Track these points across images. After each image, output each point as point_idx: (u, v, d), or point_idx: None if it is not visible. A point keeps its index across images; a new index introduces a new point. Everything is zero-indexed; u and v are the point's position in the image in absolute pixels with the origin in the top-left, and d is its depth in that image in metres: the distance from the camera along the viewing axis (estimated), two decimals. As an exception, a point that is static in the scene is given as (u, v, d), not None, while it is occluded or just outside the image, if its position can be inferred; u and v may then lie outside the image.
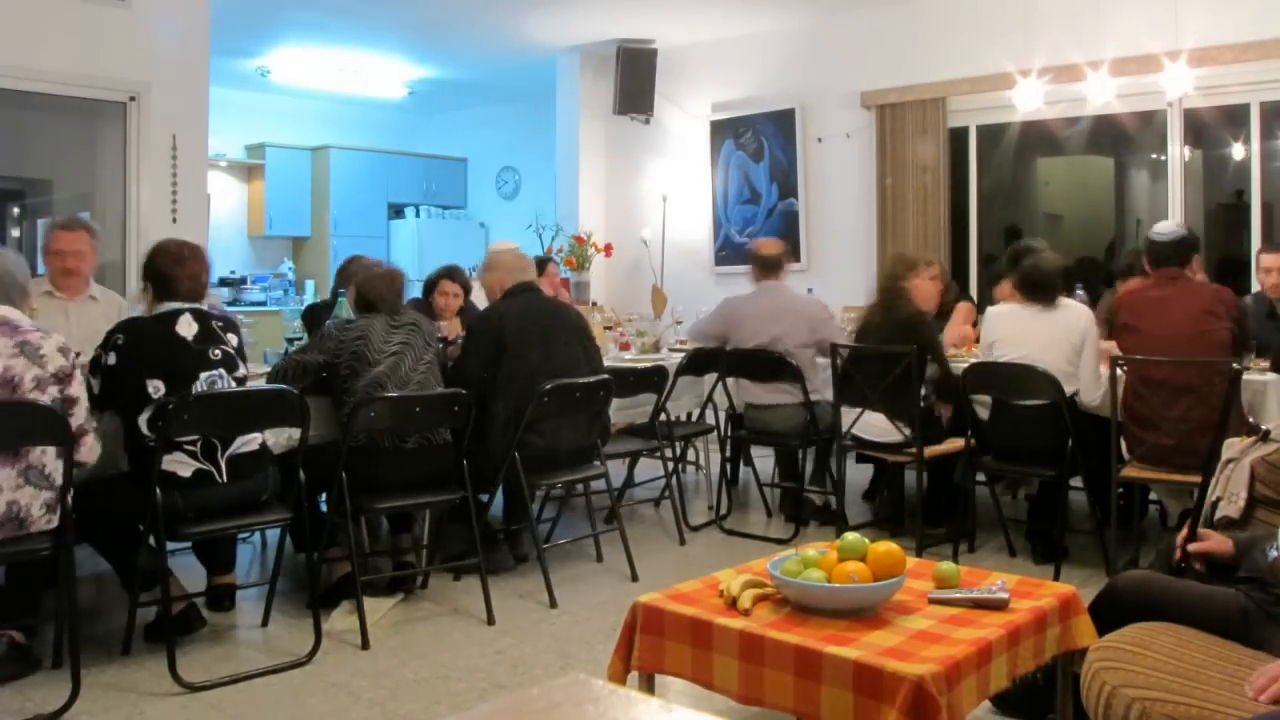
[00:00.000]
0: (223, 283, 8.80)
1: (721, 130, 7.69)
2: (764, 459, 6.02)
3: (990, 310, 4.56)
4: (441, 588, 4.07)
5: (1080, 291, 4.96)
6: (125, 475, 3.32)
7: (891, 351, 4.35)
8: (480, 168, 10.62)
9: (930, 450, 4.39)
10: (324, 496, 3.70)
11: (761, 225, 7.48)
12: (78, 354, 3.14)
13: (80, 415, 3.07)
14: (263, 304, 8.99)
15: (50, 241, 4.23)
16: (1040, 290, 4.28)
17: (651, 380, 4.75)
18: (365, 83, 9.01)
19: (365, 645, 3.41)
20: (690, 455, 5.95)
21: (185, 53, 5.78)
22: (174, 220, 5.69)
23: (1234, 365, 3.66)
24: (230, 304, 8.51)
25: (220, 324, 3.45)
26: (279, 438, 3.58)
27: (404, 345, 3.91)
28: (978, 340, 4.75)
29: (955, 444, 4.46)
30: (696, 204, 7.84)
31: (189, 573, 3.97)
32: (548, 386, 3.96)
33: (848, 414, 4.58)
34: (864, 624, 2.26)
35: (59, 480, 2.95)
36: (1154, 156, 6.43)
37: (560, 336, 4.25)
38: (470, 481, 3.80)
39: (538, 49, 7.99)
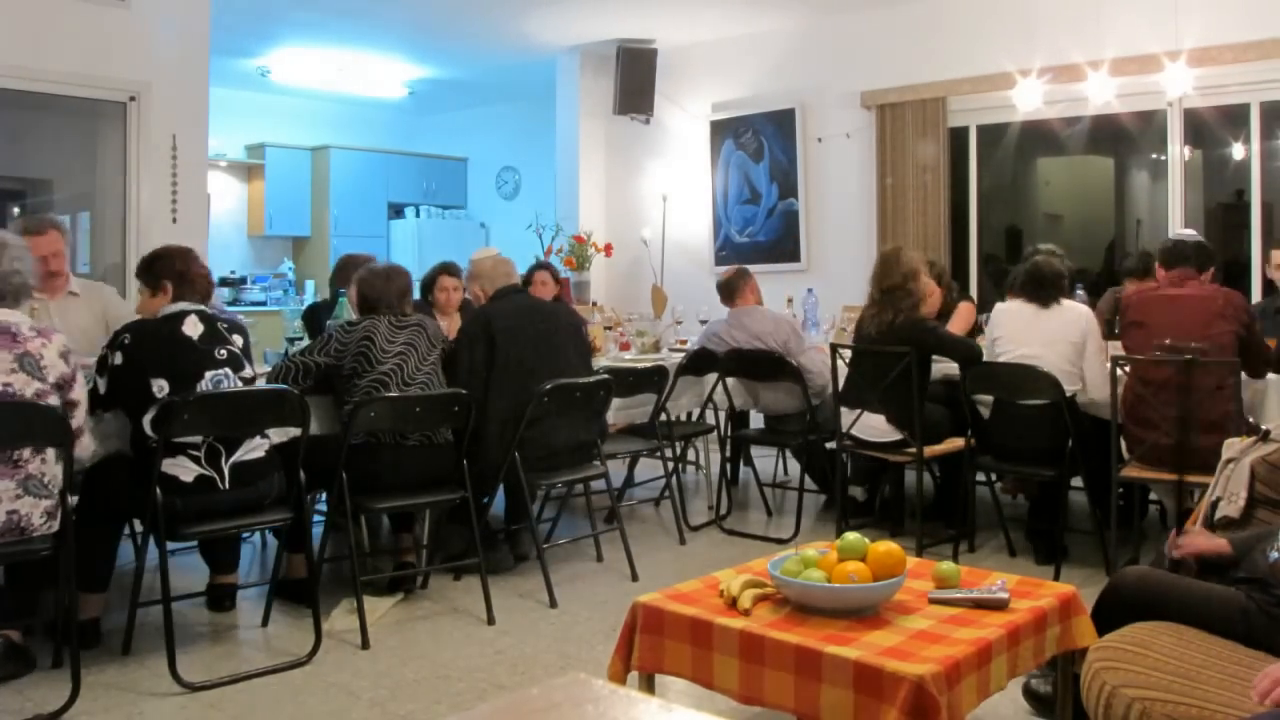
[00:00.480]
0: (223, 283, 8.79)
1: (721, 130, 7.68)
2: (764, 459, 6.03)
3: (998, 306, 4.60)
4: (441, 588, 4.07)
5: (1080, 292, 4.97)
6: (129, 465, 3.31)
7: (891, 351, 4.35)
8: (480, 168, 10.62)
9: (930, 450, 4.39)
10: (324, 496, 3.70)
11: (761, 225, 7.48)
12: None
13: (79, 418, 3.07)
14: (263, 304, 8.99)
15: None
16: (1041, 289, 4.30)
17: (651, 380, 4.75)
18: (365, 83, 9.01)
19: (365, 645, 3.41)
20: (690, 455, 5.95)
21: (185, 53, 5.78)
22: (174, 220, 5.68)
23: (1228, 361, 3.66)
24: (230, 304, 8.50)
25: (225, 325, 3.45)
26: (281, 438, 3.58)
27: (408, 346, 3.90)
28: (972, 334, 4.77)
29: (955, 444, 4.46)
30: (696, 204, 7.84)
31: (188, 571, 3.98)
32: (548, 386, 3.96)
33: (847, 415, 4.58)
34: (864, 624, 2.26)
35: (59, 486, 2.95)
36: (1154, 156, 6.43)
37: (551, 337, 4.26)
38: (470, 482, 3.80)
39: (538, 49, 7.99)
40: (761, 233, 7.48)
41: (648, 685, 2.47)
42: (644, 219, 8.07)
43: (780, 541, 4.69)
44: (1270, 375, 4.03)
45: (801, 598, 2.33)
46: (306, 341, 4.38)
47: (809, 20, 7.18)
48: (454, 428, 3.87)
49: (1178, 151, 5.89)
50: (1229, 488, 2.73)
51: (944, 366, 4.61)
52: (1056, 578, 3.91)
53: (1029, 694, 2.85)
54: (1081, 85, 5.72)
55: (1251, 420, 3.78)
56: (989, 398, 4.33)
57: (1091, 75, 5.64)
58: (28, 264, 3.10)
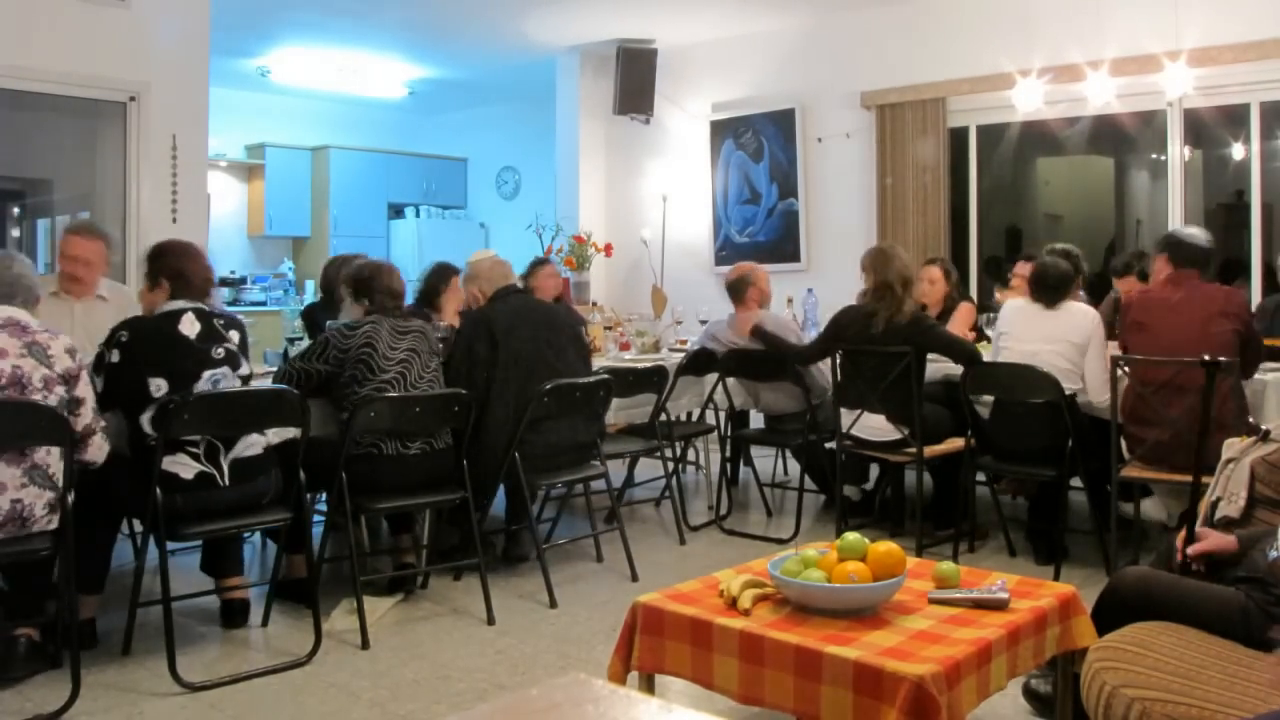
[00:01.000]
0: (223, 283, 8.79)
1: (721, 130, 7.68)
2: (764, 459, 6.03)
3: (1006, 304, 4.62)
4: (441, 588, 4.07)
5: (1080, 292, 4.96)
6: (125, 465, 3.30)
7: (891, 351, 4.35)
8: (480, 168, 10.62)
9: (930, 450, 4.39)
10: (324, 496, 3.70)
11: (761, 225, 7.48)
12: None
13: (87, 415, 3.08)
14: (263, 304, 8.99)
15: (63, 245, 4.21)
16: (1046, 289, 4.32)
17: (651, 380, 4.75)
18: (365, 83, 9.00)
19: (365, 645, 3.41)
20: (690, 455, 5.95)
21: (185, 53, 5.78)
22: (174, 220, 5.68)
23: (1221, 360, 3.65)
24: (230, 304, 8.51)
25: (222, 322, 3.45)
26: (278, 439, 3.57)
27: (411, 352, 3.87)
28: (978, 338, 4.77)
29: (955, 444, 4.46)
30: (696, 204, 7.84)
31: (188, 571, 3.97)
32: (548, 387, 3.96)
33: (846, 415, 4.58)
34: (864, 624, 2.26)
35: (61, 480, 2.96)
36: (1154, 156, 6.43)
37: (551, 337, 4.25)
38: (470, 484, 3.80)
39: (538, 49, 7.99)
40: (761, 233, 7.48)
41: (648, 685, 2.47)
42: (644, 219, 8.07)
43: (780, 541, 4.69)
44: (1270, 375, 4.03)
45: (801, 598, 2.34)
46: (306, 341, 4.37)
47: (809, 20, 7.18)
48: (454, 428, 3.86)
49: (1178, 151, 5.89)
50: (1229, 488, 2.73)
51: (944, 366, 4.61)
52: (1056, 578, 3.91)
53: (1029, 694, 2.86)
54: (1081, 85, 5.73)
55: (1251, 420, 3.78)
56: (989, 398, 4.33)
57: (1091, 75, 5.65)
58: (34, 278, 3.14)
